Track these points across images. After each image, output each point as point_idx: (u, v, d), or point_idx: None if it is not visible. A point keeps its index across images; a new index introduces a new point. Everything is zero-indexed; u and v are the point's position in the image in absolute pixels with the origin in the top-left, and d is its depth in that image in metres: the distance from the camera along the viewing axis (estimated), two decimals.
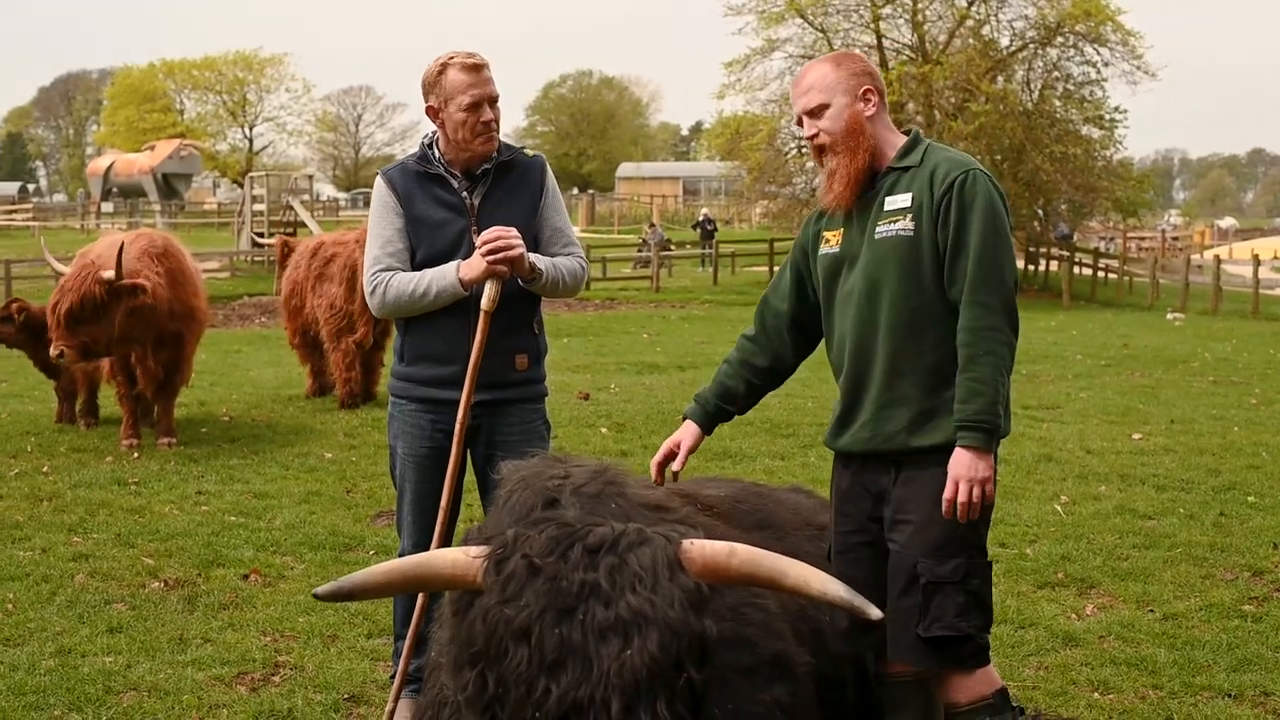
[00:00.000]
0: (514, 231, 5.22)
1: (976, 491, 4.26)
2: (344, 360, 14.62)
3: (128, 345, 11.78)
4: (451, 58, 5.36)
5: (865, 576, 4.42)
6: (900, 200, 4.45)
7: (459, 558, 3.13)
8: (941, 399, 4.39)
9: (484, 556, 3.09)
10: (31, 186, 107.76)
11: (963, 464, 4.27)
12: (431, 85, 5.39)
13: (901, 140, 4.60)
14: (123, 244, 11.35)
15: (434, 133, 5.53)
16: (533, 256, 5.32)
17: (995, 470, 4.34)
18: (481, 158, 5.45)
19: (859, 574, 4.40)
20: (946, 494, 4.27)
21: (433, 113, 5.42)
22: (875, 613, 3.11)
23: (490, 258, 5.17)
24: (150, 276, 11.53)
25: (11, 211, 74.01)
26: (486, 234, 5.21)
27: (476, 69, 5.33)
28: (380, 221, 5.49)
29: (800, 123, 4.62)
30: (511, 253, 5.18)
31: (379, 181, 5.58)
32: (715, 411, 4.86)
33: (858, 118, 4.49)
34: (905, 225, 4.41)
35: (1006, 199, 4.49)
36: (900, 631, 4.41)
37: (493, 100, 5.37)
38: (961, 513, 4.27)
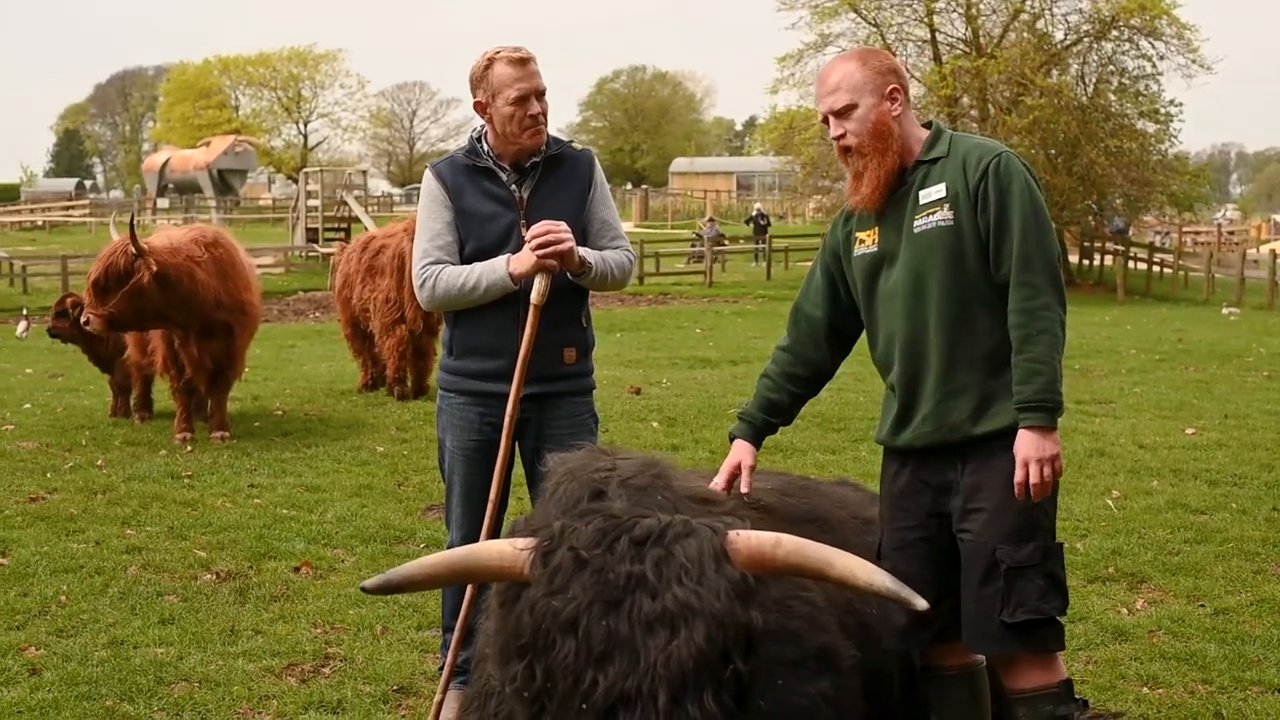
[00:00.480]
0: (563, 225, 5.22)
1: (1048, 471, 4.24)
2: (397, 347, 14.96)
3: (164, 324, 11.94)
4: (498, 52, 5.37)
5: (920, 572, 4.41)
6: (935, 192, 4.42)
7: (506, 549, 3.13)
8: (1000, 383, 4.37)
9: (531, 548, 3.09)
10: (88, 183, 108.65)
11: (1030, 444, 4.24)
12: (479, 80, 5.40)
13: (924, 133, 4.57)
14: (133, 216, 11.54)
15: (483, 127, 5.53)
16: (582, 250, 5.32)
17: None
18: (530, 151, 5.45)
19: (914, 569, 4.38)
20: (1018, 477, 4.25)
21: (481, 107, 5.43)
22: (921, 603, 3.09)
23: (540, 252, 5.17)
24: (197, 258, 11.75)
25: (69, 208, 74.69)
26: (536, 228, 5.21)
27: (523, 63, 5.34)
28: (429, 215, 5.51)
29: (826, 122, 4.58)
30: (561, 246, 5.18)
31: (428, 175, 5.60)
32: (763, 427, 4.81)
33: (885, 118, 4.45)
34: (944, 215, 4.39)
35: (1039, 179, 4.48)
36: (981, 620, 4.39)
37: (540, 93, 5.38)
38: (1035, 493, 4.25)
